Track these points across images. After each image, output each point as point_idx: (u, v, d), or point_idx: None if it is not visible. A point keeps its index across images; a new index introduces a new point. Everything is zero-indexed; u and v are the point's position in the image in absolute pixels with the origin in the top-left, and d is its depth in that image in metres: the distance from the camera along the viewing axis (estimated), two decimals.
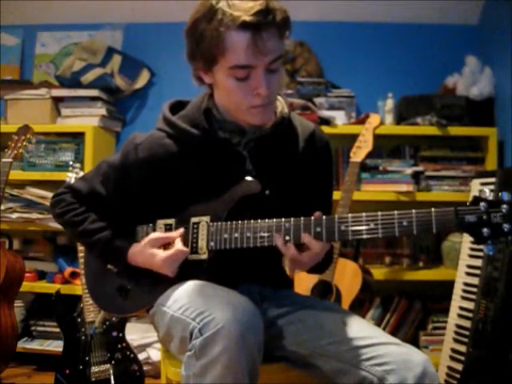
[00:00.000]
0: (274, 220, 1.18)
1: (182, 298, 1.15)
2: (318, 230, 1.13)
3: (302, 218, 1.15)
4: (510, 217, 1.02)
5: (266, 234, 1.17)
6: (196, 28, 1.15)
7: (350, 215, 1.12)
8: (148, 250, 1.27)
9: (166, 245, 1.27)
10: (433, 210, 1.06)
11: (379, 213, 1.09)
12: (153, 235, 1.29)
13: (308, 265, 1.20)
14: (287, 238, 1.15)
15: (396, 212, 1.08)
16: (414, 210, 1.07)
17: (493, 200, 1.04)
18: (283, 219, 1.17)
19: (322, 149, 1.37)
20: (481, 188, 1.09)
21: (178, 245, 1.24)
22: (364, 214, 1.11)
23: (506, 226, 1.02)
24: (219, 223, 1.23)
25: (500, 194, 1.04)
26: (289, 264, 1.20)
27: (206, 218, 1.25)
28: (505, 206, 1.02)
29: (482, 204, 1.04)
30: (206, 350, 1.00)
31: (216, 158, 1.28)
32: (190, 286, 1.19)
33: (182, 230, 1.26)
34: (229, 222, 1.21)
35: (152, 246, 1.27)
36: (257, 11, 1.09)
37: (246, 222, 1.20)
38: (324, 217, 1.14)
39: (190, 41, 1.19)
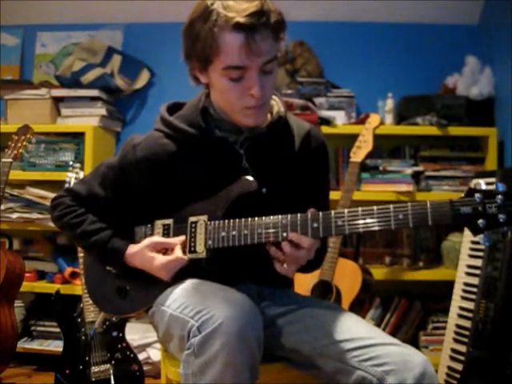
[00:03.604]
0: (271, 217, 1.18)
1: (181, 297, 1.15)
2: (315, 225, 1.13)
3: (299, 215, 1.15)
4: (505, 207, 1.00)
5: (263, 231, 1.17)
6: (192, 28, 1.17)
7: (346, 210, 1.12)
8: (147, 254, 1.26)
9: (165, 250, 1.27)
10: (428, 202, 1.05)
11: (375, 207, 1.10)
12: (153, 239, 1.28)
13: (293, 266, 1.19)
14: (284, 234, 1.16)
15: (392, 205, 1.09)
16: (409, 203, 1.07)
17: (488, 191, 1.02)
18: (280, 216, 1.17)
19: (318, 148, 1.38)
20: (476, 181, 1.08)
21: (178, 252, 1.24)
22: (360, 208, 1.11)
23: (501, 217, 1.01)
24: (217, 222, 1.23)
25: (495, 184, 1.03)
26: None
27: (204, 217, 1.25)
28: (500, 196, 1.01)
29: (477, 195, 1.03)
30: (204, 347, 1.00)
31: (213, 157, 1.28)
32: (188, 284, 1.19)
33: (183, 237, 1.26)
34: (226, 221, 1.22)
35: (151, 250, 1.27)
36: (251, 13, 1.10)
37: (243, 219, 1.20)
38: (321, 213, 1.14)
39: (186, 41, 1.21)
